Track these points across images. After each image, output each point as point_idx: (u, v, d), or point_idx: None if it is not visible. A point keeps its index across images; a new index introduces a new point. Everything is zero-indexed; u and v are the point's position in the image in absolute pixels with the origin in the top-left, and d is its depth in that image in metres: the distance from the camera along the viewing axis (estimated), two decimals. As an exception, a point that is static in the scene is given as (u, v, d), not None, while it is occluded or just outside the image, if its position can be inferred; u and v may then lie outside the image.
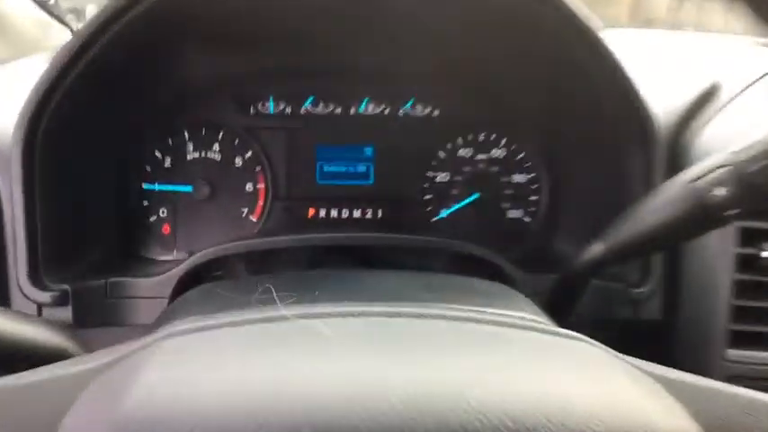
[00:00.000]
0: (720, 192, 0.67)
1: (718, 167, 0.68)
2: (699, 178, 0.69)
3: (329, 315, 0.47)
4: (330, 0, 0.93)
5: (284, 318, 0.45)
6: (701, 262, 0.94)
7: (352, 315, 0.47)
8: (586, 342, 0.49)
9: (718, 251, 0.92)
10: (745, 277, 0.91)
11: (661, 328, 0.99)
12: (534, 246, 1.26)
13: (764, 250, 0.92)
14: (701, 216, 0.69)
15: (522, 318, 0.58)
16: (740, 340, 0.92)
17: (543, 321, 0.64)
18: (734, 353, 0.93)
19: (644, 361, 0.50)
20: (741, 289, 0.91)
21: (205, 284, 0.79)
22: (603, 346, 0.49)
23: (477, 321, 0.49)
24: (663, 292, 0.97)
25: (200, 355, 0.42)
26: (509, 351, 0.45)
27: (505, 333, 0.48)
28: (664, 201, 0.72)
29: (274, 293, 0.58)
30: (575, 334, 0.50)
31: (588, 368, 0.46)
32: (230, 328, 0.45)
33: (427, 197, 1.26)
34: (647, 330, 0.99)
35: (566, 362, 0.46)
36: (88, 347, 1.06)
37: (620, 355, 0.48)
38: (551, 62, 0.99)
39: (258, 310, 0.48)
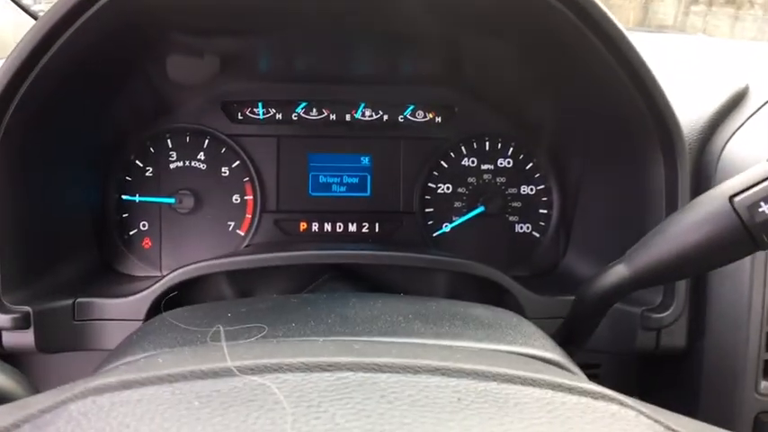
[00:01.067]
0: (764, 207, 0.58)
1: (765, 179, 0.59)
2: (742, 192, 0.60)
3: (288, 368, 0.37)
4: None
5: (230, 372, 0.36)
6: (731, 284, 0.85)
7: (320, 368, 0.37)
8: (620, 403, 0.39)
9: (751, 273, 0.83)
10: None
11: (685, 356, 0.90)
12: (544, 263, 1.17)
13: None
14: (745, 236, 0.59)
15: (538, 366, 0.49)
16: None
17: (562, 363, 0.54)
18: (765, 384, 0.84)
19: (687, 420, 0.41)
20: None
21: (176, 310, 0.69)
22: (639, 407, 0.40)
23: (482, 377, 0.39)
24: (688, 317, 0.88)
25: (111, 425, 0.33)
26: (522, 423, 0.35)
27: (521, 395, 0.38)
28: (700, 218, 0.62)
29: (222, 337, 0.48)
30: (607, 392, 0.40)
31: None
32: (158, 387, 0.35)
33: (428, 210, 1.18)
34: (670, 358, 0.90)
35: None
36: (50, 376, 0.99)
37: (660, 417, 0.39)
38: (567, 64, 0.91)
39: (202, 359, 0.38)
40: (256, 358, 0.39)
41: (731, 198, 0.60)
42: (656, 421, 0.38)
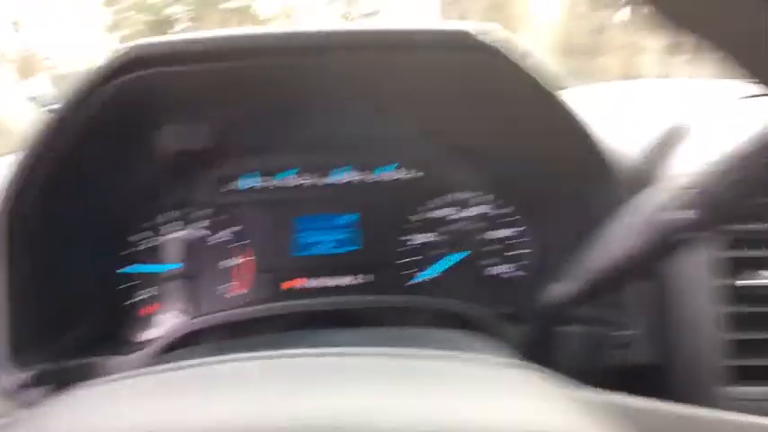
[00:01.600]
0: (681, 213, 0.65)
1: (676, 188, 0.66)
2: (654, 201, 0.67)
3: (251, 359, 0.46)
4: (304, 71, 0.96)
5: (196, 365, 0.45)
6: (687, 297, 0.90)
7: (270, 358, 0.46)
8: (528, 370, 0.46)
9: (699, 283, 0.88)
10: (735, 309, 0.87)
11: (653, 372, 0.94)
12: (527, 300, 1.22)
13: (754, 279, 0.89)
14: (663, 241, 0.66)
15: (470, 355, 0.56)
16: (741, 376, 0.87)
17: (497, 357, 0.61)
18: (735, 390, 0.87)
19: (603, 391, 0.48)
20: (735, 322, 0.87)
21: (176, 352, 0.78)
22: (548, 374, 0.47)
23: (411, 357, 0.47)
24: (651, 334, 0.93)
25: (96, 407, 0.41)
26: (427, 382, 0.43)
27: (434, 365, 0.46)
28: (623, 230, 0.70)
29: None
30: (519, 362, 0.48)
31: (516, 396, 0.43)
32: (135, 379, 0.44)
33: (412, 259, 1.25)
34: (639, 377, 0.94)
35: (495, 391, 0.44)
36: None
37: (565, 383, 0.46)
38: (515, 120, 1.02)
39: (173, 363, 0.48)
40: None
41: (644, 208, 0.68)
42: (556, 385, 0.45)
